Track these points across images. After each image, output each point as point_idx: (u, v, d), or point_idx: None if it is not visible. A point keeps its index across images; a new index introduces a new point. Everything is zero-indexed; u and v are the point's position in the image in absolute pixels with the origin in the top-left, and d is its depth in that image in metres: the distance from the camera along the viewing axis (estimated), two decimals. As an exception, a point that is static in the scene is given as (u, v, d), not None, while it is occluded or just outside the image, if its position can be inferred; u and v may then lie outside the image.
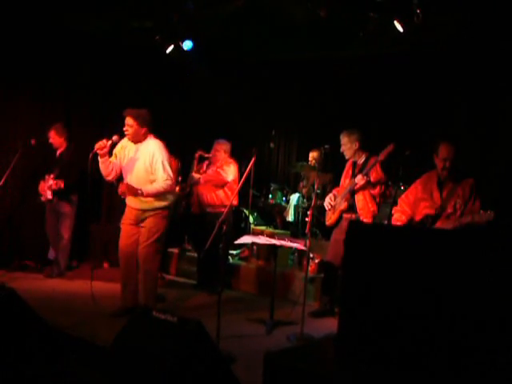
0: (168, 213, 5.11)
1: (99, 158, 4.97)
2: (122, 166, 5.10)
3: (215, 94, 8.45)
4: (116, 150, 5.13)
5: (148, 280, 5.02)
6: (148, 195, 4.92)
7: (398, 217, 4.64)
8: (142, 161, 4.97)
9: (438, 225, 4.36)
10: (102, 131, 7.73)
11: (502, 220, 4.00)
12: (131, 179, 5.01)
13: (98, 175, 5.20)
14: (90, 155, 4.92)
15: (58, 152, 6.74)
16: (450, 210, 4.36)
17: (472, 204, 4.33)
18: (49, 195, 6.59)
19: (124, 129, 4.97)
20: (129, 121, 4.94)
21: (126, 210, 5.15)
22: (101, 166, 5.04)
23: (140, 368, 3.12)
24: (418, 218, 4.55)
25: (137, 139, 5.01)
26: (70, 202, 6.70)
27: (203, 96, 8.66)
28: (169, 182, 4.94)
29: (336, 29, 6.65)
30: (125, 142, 5.10)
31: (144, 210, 5.02)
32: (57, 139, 6.69)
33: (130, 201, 5.09)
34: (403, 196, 4.81)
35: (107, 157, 5.02)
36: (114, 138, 4.98)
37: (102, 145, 4.90)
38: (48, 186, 6.58)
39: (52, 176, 6.55)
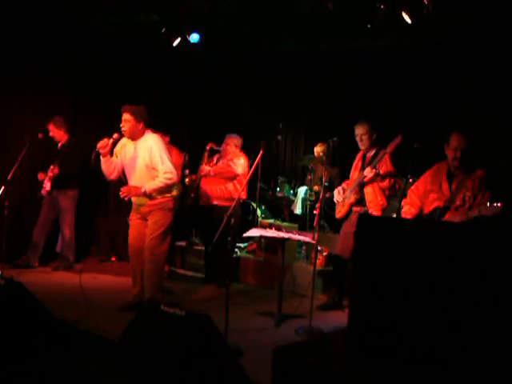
0: (173, 205, 5.08)
1: (101, 157, 4.98)
2: (123, 164, 5.08)
3: (223, 86, 8.42)
4: (116, 149, 5.12)
5: (154, 273, 4.99)
6: (152, 192, 4.89)
7: (407, 209, 4.58)
8: (141, 157, 4.94)
9: (447, 217, 4.27)
10: (109, 125, 7.75)
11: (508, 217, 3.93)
12: (134, 177, 5.00)
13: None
14: (93, 154, 4.92)
15: (60, 145, 6.76)
16: (458, 203, 4.24)
17: (481, 197, 4.19)
18: (48, 187, 6.61)
19: (121, 125, 4.94)
20: (126, 116, 4.91)
21: (133, 206, 5.15)
22: (103, 165, 5.04)
23: (148, 361, 3.13)
24: (426, 210, 4.48)
25: (134, 135, 4.98)
26: (68, 195, 6.70)
27: (211, 89, 8.63)
28: (169, 175, 4.88)
29: (344, 21, 6.60)
30: (124, 140, 5.08)
31: (148, 205, 5.00)
32: (56, 132, 6.69)
33: (135, 198, 5.08)
34: (413, 187, 4.74)
35: (109, 156, 5.03)
36: (115, 135, 4.98)
37: (103, 143, 4.92)
38: (48, 178, 6.61)
39: (52, 167, 6.60)
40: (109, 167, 5.06)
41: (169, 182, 4.90)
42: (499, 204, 3.88)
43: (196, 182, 6.60)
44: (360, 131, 5.30)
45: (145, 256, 4.98)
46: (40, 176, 6.68)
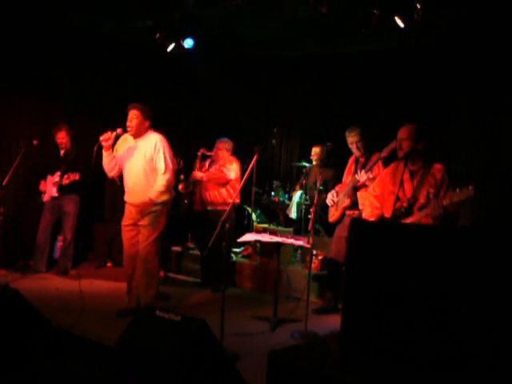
0: (167, 209, 5.10)
1: (103, 151, 5.01)
2: (121, 157, 5.10)
3: (217, 91, 8.44)
4: (117, 145, 5.14)
5: (149, 279, 5.01)
6: (157, 198, 4.95)
7: (370, 212, 4.38)
8: (141, 153, 4.97)
9: (415, 217, 4.01)
10: (104, 129, 7.77)
11: (504, 217, 3.91)
12: (129, 169, 5.03)
13: (99, 171, 5.23)
14: (95, 147, 4.93)
15: (63, 152, 6.77)
16: (422, 201, 4.04)
17: (445, 191, 4.01)
18: (54, 192, 6.64)
19: (127, 123, 4.98)
20: (134, 112, 4.97)
21: (126, 209, 5.14)
22: (104, 160, 5.06)
23: (145, 367, 3.13)
24: (388, 211, 4.19)
25: (139, 132, 5.01)
26: (72, 199, 6.72)
27: (205, 94, 8.65)
28: (167, 177, 4.96)
29: (338, 25, 6.64)
30: (126, 135, 5.12)
31: (143, 205, 4.98)
32: (66, 139, 6.76)
33: (130, 197, 5.09)
34: (370, 189, 4.57)
35: (111, 150, 5.05)
36: (119, 130, 5.02)
37: (106, 136, 4.95)
38: (53, 183, 6.62)
39: (58, 174, 6.60)
40: (110, 162, 5.08)
41: (167, 183, 4.99)
42: (470, 187, 3.68)
43: (189, 189, 6.62)
44: (354, 139, 5.29)
45: (138, 264, 4.99)
46: (42, 186, 6.69)
